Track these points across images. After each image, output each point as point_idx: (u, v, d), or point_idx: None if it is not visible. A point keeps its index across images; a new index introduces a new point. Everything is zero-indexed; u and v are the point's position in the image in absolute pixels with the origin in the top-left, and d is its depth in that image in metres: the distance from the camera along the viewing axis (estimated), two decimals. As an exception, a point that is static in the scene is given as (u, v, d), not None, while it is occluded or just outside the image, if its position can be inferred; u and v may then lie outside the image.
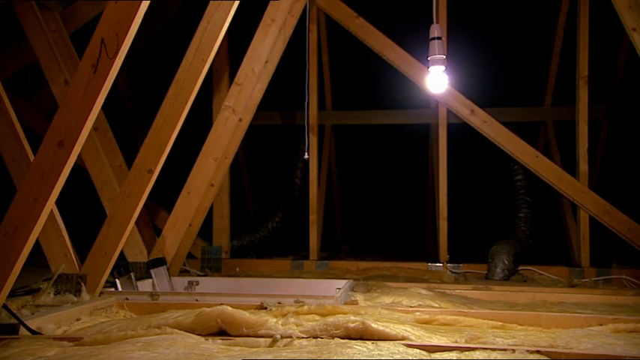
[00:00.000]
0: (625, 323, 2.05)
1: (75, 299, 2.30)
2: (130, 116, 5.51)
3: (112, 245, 2.40)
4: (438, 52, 3.14)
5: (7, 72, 3.76)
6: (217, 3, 2.48)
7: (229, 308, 1.87)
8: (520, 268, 4.05)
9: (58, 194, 1.98)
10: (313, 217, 4.38)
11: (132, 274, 2.75)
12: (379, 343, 1.68)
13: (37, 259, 2.50)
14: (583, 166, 4.04)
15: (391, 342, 1.70)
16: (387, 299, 2.63)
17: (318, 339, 1.74)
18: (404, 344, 1.67)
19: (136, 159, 2.51)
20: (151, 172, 2.41)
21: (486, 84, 5.20)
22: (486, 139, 4.20)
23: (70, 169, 1.97)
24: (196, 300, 2.33)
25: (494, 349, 1.62)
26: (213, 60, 2.56)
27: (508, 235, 4.58)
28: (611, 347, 1.68)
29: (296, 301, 2.22)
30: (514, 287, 3.34)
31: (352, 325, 1.79)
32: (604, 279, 3.84)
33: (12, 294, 2.00)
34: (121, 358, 1.49)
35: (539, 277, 3.93)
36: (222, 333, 1.85)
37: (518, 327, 2.11)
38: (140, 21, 1.94)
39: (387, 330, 1.77)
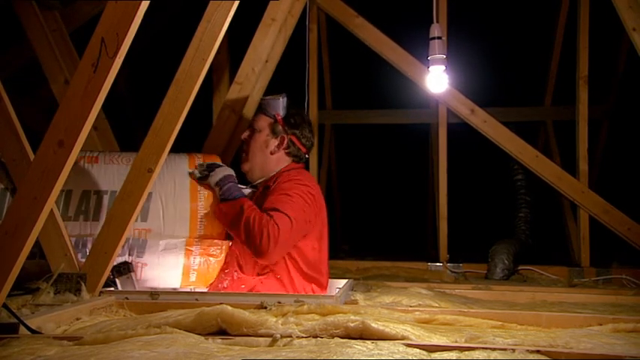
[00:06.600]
0: (625, 323, 2.04)
1: (75, 298, 2.29)
2: (130, 116, 5.51)
3: (112, 245, 2.40)
4: (438, 51, 3.15)
5: (7, 72, 3.76)
6: (217, 3, 2.48)
7: (229, 308, 1.87)
8: (520, 267, 4.05)
9: (58, 194, 1.98)
10: (313, 217, 4.37)
11: (132, 274, 2.75)
12: (379, 342, 1.68)
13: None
14: (583, 166, 4.04)
15: (391, 341, 1.70)
16: (387, 299, 2.63)
17: (318, 338, 1.74)
18: (404, 344, 1.67)
19: (136, 158, 2.51)
20: (150, 171, 2.41)
21: (486, 84, 5.20)
22: (486, 138, 4.20)
23: (70, 168, 1.97)
24: (196, 299, 2.33)
25: (494, 349, 1.62)
26: (214, 59, 2.55)
27: (508, 234, 4.58)
28: (611, 347, 1.68)
29: (296, 301, 2.21)
30: (514, 287, 3.33)
31: (352, 324, 1.79)
32: (604, 279, 3.84)
33: (11, 294, 2.00)
34: (120, 357, 1.49)
35: (539, 277, 3.93)
36: (222, 332, 1.84)
37: (518, 327, 2.10)
38: (140, 21, 1.94)
39: (387, 329, 1.76)
